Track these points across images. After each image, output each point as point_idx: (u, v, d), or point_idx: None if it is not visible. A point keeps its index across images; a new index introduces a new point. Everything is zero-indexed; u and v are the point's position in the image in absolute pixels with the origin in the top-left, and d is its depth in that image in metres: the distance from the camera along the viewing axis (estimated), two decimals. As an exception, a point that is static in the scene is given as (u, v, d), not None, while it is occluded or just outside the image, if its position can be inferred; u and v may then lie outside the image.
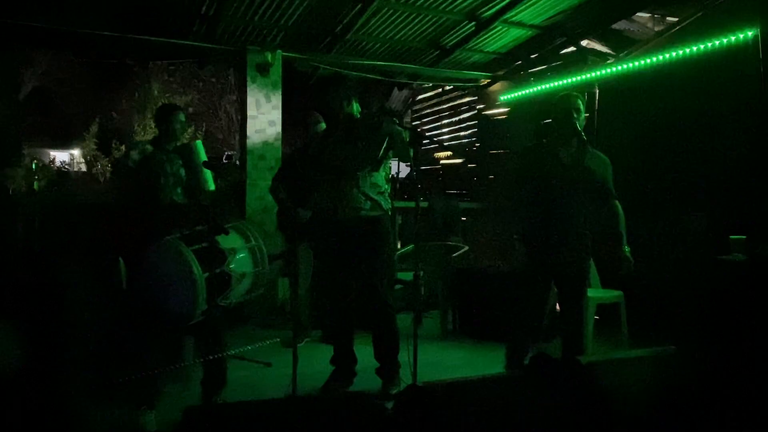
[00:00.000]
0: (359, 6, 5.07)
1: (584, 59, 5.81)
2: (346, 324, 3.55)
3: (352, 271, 3.46)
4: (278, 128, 5.87)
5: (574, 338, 3.47)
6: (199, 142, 3.56)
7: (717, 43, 4.32)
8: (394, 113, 4.43)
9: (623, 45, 5.61)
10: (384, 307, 3.44)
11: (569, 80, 5.59)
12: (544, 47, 6.18)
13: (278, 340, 4.46)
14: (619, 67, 5.15)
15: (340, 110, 3.45)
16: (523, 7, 5.32)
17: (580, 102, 3.39)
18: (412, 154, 3.15)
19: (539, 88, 6.08)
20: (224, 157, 17.27)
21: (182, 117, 3.41)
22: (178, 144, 3.47)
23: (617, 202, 3.44)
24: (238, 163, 7.18)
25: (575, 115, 3.32)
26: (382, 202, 3.45)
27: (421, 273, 3.66)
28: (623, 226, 3.42)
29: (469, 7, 5.32)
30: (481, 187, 7.25)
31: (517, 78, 6.64)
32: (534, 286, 3.45)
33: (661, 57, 4.71)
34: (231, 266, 3.07)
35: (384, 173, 3.52)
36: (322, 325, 4.57)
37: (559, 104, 3.44)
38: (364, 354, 3.55)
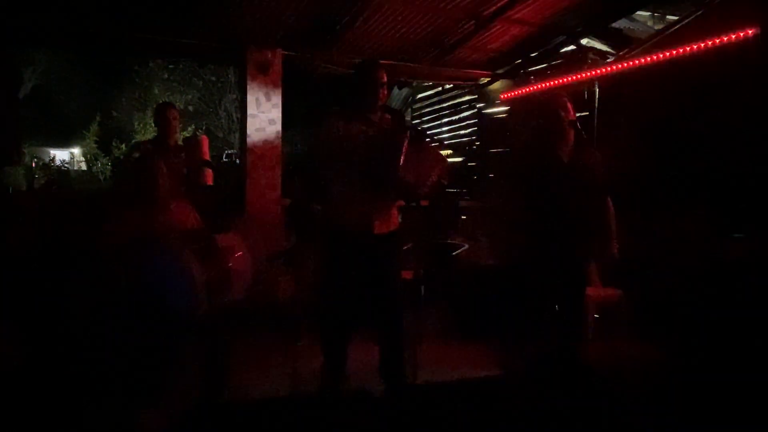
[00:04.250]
0: (359, 4, 5.06)
1: (584, 58, 5.80)
2: (348, 327, 3.49)
3: (371, 282, 3.29)
4: (278, 127, 5.87)
5: (574, 339, 3.43)
6: (204, 138, 3.61)
7: (717, 41, 4.31)
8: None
9: (623, 43, 5.60)
10: (396, 310, 3.41)
11: (569, 79, 5.58)
12: (544, 46, 6.17)
13: (279, 339, 4.45)
14: (619, 66, 5.14)
15: (378, 104, 3.15)
16: (523, 5, 5.31)
17: (566, 101, 3.40)
18: None
19: (539, 86, 6.08)
20: (224, 156, 17.26)
21: (174, 114, 3.46)
22: (179, 141, 3.51)
23: (609, 198, 3.44)
24: (237, 161, 7.18)
25: (563, 114, 3.34)
26: (399, 214, 3.38)
27: (421, 272, 3.64)
28: (613, 224, 3.42)
29: (470, 5, 5.31)
30: (480, 185, 7.24)
31: (517, 76, 6.64)
32: (535, 284, 3.44)
33: (661, 55, 4.71)
34: (230, 265, 3.07)
35: None
36: (321, 324, 4.54)
37: (546, 105, 3.45)
38: (365, 352, 3.54)
